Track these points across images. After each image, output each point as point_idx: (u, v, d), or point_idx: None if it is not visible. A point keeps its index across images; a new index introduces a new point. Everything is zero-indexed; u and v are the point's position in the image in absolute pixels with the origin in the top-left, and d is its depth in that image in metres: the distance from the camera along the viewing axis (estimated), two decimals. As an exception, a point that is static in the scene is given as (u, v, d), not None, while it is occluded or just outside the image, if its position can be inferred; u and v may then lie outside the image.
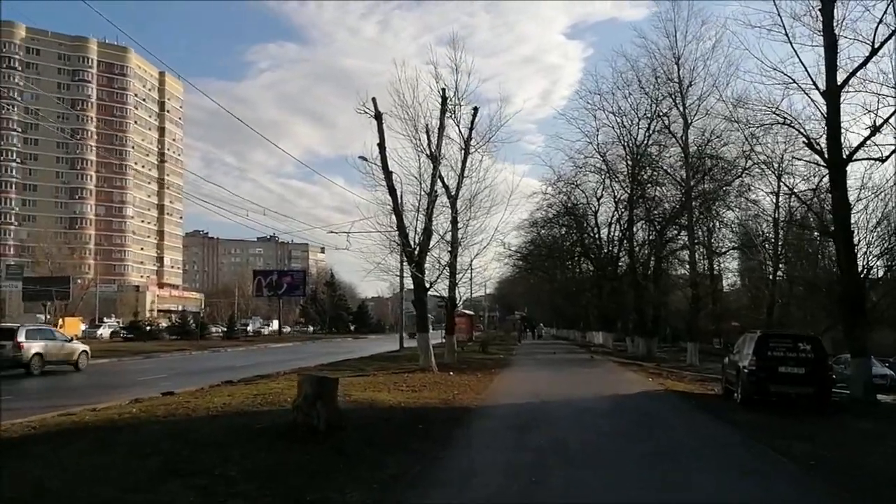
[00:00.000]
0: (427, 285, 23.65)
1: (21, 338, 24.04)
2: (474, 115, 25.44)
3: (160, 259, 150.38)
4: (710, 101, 34.80)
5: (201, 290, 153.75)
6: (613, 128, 40.47)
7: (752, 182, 36.67)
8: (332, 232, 25.91)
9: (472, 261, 25.85)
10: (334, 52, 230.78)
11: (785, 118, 21.25)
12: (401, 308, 53.51)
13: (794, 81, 20.06)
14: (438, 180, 24.11)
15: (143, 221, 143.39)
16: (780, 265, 40.60)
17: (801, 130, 20.92)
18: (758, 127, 22.10)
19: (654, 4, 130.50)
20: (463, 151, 25.20)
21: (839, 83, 19.38)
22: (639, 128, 39.72)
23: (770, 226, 39.76)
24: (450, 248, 25.16)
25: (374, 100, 22.83)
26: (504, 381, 21.47)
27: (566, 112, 77.05)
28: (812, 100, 20.07)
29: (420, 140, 23.12)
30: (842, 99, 19.61)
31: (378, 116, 22.71)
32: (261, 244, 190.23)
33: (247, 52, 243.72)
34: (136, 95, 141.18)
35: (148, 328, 62.42)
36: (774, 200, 39.12)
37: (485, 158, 25.25)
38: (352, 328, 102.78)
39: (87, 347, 29.17)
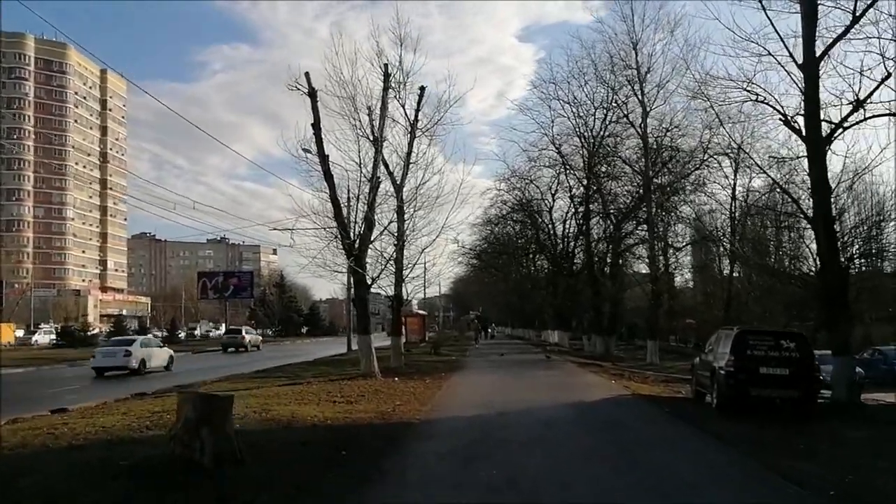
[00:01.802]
0: (369, 281, 21.27)
1: None
2: (421, 96, 23.18)
3: (103, 262, 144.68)
4: (669, 88, 33.68)
5: (148, 293, 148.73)
6: (569, 118, 39.07)
7: (709, 174, 35.91)
8: (274, 229, 23.31)
9: (421, 253, 23.49)
10: (288, 53, 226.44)
11: (758, 95, 19.46)
12: (348, 309, 50.87)
13: (770, 53, 18.40)
14: (382, 165, 21.78)
15: (84, 223, 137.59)
16: (737, 262, 39.70)
17: (777, 107, 19.18)
18: (728, 104, 20.25)
19: (604, 6, 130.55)
20: (409, 135, 22.93)
21: (818, 55, 17.74)
22: (595, 118, 38.37)
23: (727, 220, 39.18)
24: (395, 242, 22.83)
25: (307, 75, 20.38)
26: (455, 388, 19.28)
27: (521, 103, 75.58)
28: (788, 73, 18.46)
29: (360, 121, 20.72)
30: (821, 72, 17.95)
31: (312, 94, 20.26)
32: (211, 246, 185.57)
33: (199, 54, 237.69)
34: (76, 94, 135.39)
35: (81, 334, 58.48)
36: (731, 193, 38.37)
37: (433, 147, 23.03)
38: (303, 330, 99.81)
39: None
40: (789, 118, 19.00)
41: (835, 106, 17.57)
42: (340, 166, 20.86)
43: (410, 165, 22.77)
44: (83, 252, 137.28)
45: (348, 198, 21.74)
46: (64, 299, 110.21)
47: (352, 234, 20.29)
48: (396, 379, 20.71)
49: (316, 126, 20.20)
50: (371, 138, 21.06)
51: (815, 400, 15.26)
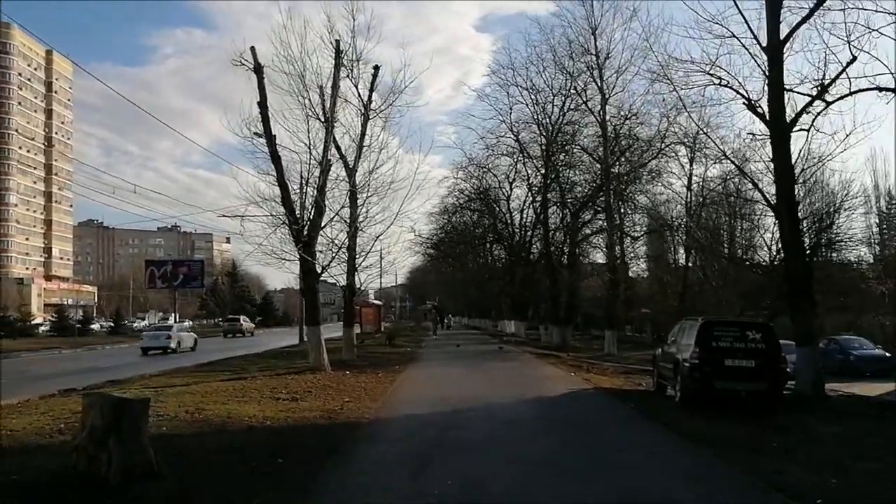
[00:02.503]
0: (319, 270, 20.14)
1: None
2: (375, 75, 22.06)
3: (48, 250, 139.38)
4: (628, 74, 33.30)
5: (95, 282, 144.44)
6: (527, 105, 38.70)
7: (666, 164, 35.86)
8: (223, 216, 21.86)
9: (374, 241, 22.36)
10: (244, 39, 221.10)
11: (721, 78, 18.87)
12: (300, 298, 49.48)
13: (734, 35, 17.82)
14: (333, 147, 20.64)
15: (28, 210, 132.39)
16: (692, 251, 39.64)
17: (741, 91, 18.62)
18: (691, 88, 19.62)
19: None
20: (362, 117, 21.80)
21: (782, 38, 17.25)
22: (553, 105, 37.88)
23: (683, 210, 39.09)
24: (347, 229, 21.74)
25: (252, 49, 19.09)
26: (409, 382, 18.35)
27: (479, 90, 74.62)
28: (753, 56, 17.88)
29: (310, 99, 19.50)
30: (785, 55, 17.46)
31: (258, 69, 18.99)
32: (161, 234, 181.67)
33: (150, 37, 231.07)
34: (20, 75, 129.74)
35: (20, 324, 56.03)
36: (687, 183, 38.24)
37: (387, 131, 21.95)
38: (256, 321, 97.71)
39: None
40: (753, 102, 18.52)
41: (801, 94, 17.00)
42: (289, 149, 19.70)
43: (364, 149, 21.68)
44: (27, 239, 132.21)
45: (301, 182, 20.54)
46: (5, 287, 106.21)
47: (301, 220, 19.11)
48: (348, 372, 19.72)
49: (262, 104, 18.96)
50: (322, 119, 19.90)
51: (782, 392, 14.74)
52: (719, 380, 14.00)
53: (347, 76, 21.25)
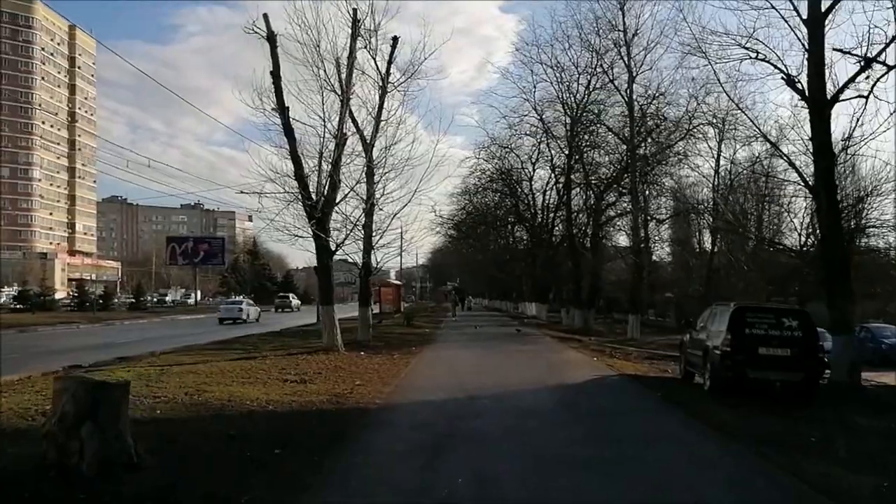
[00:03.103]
0: (333, 247, 19.46)
1: None
2: (393, 47, 21.18)
3: (71, 225, 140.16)
4: (656, 52, 32.32)
5: (119, 258, 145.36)
6: (552, 83, 37.76)
7: (693, 146, 35.17)
8: (241, 192, 21.17)
9: (391, 218, 21.55)
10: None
11: (758, 52, 17.89)
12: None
13: (773, 7, 16.84)
14: (349, 121, 19.90)
15: (52, 185, 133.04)
16: (719, 236, 38.73)
17: (780, 66, 17.62)
18: (726, 62, 18.65)
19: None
20: (380, 90, 21.01)
21: (824, 10, 16.28)
22: (578, 83, 36.94)
23: (709, 193, 38.08)
24: (364, 206, 21.03)
25: (265, 16, 18.32)
26: (424, 365, 17.69)
27: (503, 68, 73.37)
28: (792, 29, 16.88)
29: (325, 70, 18.70)
30: (826, 29, 16.47)
31: (271, 38, 18.23)
32: (184, 211, 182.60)
33: (174, 16, 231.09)
34: (43, 50, 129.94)
35: (41, 298, 56.07)
36: (715, 165, 37.22)
37: (405, 107, 21.08)
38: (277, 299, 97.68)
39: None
40: (792, 77, 17.53)
41: (853, 55, 15.85)
42: (303, 123, 18.94)
43: (381, 123, 20.89)
44: (50, 214, 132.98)
45: (318, 158, 19.73)
46: (29, 262, 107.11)
47: (314, 195, 18.41)
48: (362, 353, 19.10)
49: (275, 74, 18.23)
50: (337, 91, 19.12)
51: (818, 383, 13.91)
52: (752, 369, 13.23)
53: (365, 47, 20.47)
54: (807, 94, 16.84)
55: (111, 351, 21.67)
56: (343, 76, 19.10)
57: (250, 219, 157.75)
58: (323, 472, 6.87)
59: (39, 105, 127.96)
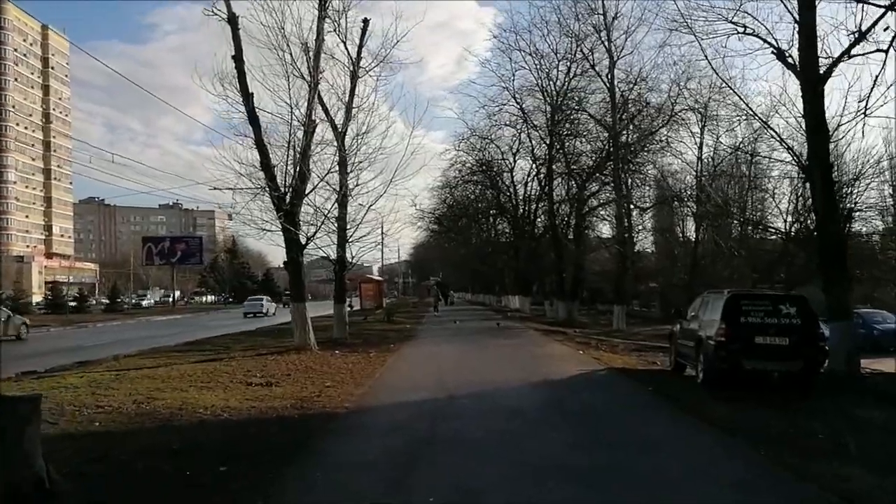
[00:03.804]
0: (304, 241, 18.41)
1: None
2: (364, 29, 20.18)
3: (48, 227, 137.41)
4: (638, 34, 31.53)
5: (97, 260, 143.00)
6: (531, 71, 36.80)
7: (676, 132, 34.25)
8: (214, 188, 19.94)
9: (366, 211, 20.47)
10: (245, 13, 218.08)
11: (746, 27, 17.12)
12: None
13: (762, -23, 16.02)
14: (319, 108, 18.86)
15: (27, 187, 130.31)
16: (703, 222, 38.11)
17: (769, 40, 16.86)
18: (711, 38, 17.82)
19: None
20: (351, 74, 19.98)
21: (815, -22, 15.51)
22: (558, 70, 36.02)
23: (693, 181, 37.40)
24: (336, 197, 20.00)
25: (226, -1, 17.21)
26: (402, 362, 16.74)
27: (481, 55, 72.16)
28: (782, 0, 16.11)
29: (292, 54, 17.60)
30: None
31: (232, 20, 17.10)
32: (163, 211, 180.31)
33: (150, 15, 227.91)
34: (15, 51, 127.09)
35: (15, 301, 54.51)
36: (698, 152, 36.53)
37: (377, 92, 20.03)
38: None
39: None
40: (783, 51, 16.77)
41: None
42: (268, 113, 17.88)
43: (353, 111, 19.87)
44: (27, 217, 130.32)
45: (288, 147, 18.61)
46: (5, 265, 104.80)
47: (283, 187, 17.34)
48: (337, 352, 18.12)
49: (237, 59, 17.11)
50: (306, 76, 18.04)
51: (818, 373, 13.13)
52: (748, 359, 12.46)
53: (334, 30, 19.45)
54: (798, 68, 16.14)
55: (77, 354, 20.68)
56: (311, 60, 18.01)
57: (230, 217, 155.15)
58: (272, 493, 5.89)
59: (13, 106, 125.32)
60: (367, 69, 20.08)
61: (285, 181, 17.47)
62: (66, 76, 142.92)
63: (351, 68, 20.03)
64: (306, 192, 18.08)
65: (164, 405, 9.55)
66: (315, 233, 18.51)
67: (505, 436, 8.35)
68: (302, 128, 17.57)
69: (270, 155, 17.54)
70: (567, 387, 12.70)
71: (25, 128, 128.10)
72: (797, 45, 16.07)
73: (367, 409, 10.04)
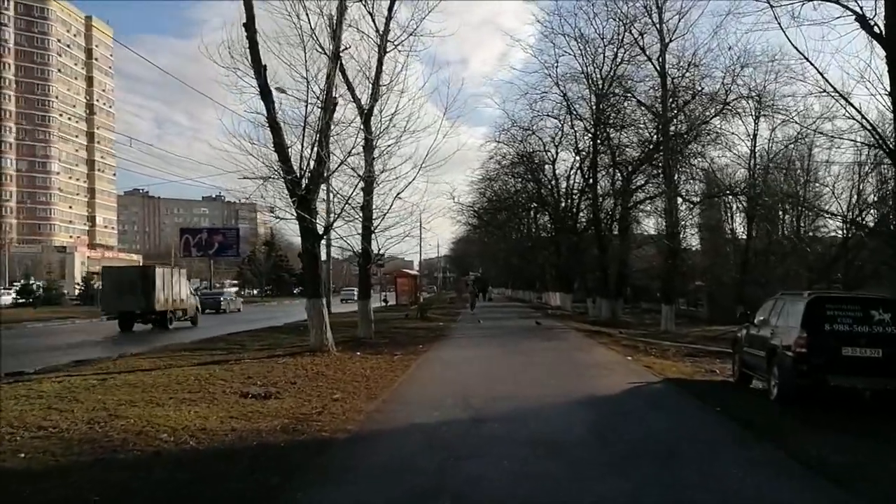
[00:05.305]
0: (320, 231, 16.65)
1: None
2: (392, 1, 18.40)
3: (91, 218, 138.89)
4: (693, 14, 29.28)
5: (141, 251, 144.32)
6: (575, 57, 34.75)
7: (728, 124, 31.83)
8: (245, 178, 18.33)
9: (394, 200, 18.44)
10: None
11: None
12: (328, 265, 46.30)
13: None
14: (343, 83, 17.07)
15: (70, 178, 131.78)
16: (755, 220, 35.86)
17: (850, 6, 14.74)
18: (784, 5, 15.72)
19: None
20: (378, 50, 18.19)
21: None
22: (604, 56, 33.96)
23: (745, 174, 35.13)
24: (361, 184, 18.24)
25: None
26: (427, 368, 14.90)
27: (523, 41, 69.84)
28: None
29: (309, 21, 15.80)
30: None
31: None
32: (206, 203, 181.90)
33: (196, 10, 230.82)
34: (59, 41, 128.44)
35: (46, 293, 54.13)
36: (751, 144, 34.15)
37: (407, 70, 18.12)
38: (296, 291, 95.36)
39: None
40: (867, 18, 14.66)
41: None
42: (282, 91, 16.13)
43: (381, 89, 18.05)
44: (70, 207, 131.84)
45: (304, 125, 16.72)
46: (47, 256, 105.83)
47: (297, 170, 15.58)
48: (358, 353, 16.39)
49: (249, 27, 15.40)
50: (323, 49, 16.23)
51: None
52: (834, 374, 10.45)
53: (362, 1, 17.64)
54: (883, 36, 14.06)
55: (85, 351, 19.37)
56: (333, 28, 16.21)
57: (271, 210, 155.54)
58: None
59: (56, 97, 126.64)
60: (396, 43, 18.22)
61: (301, 164, 15.70)
62: (110, 68, 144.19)
63: (378, 42, 18.20)
64: (324, 175, 16.31)
65: (123, 426, 7.78)
66: (334, 221, 16.75)
67: (539, 483, 6.35)
68: (321, 105, 15.78)
69: (285, 136, 15.80)
70: (619, 407, 10.63)
71: (69, 119, 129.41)
72: (884, 12, 14.09)
73: (370, 436, 8.13)
